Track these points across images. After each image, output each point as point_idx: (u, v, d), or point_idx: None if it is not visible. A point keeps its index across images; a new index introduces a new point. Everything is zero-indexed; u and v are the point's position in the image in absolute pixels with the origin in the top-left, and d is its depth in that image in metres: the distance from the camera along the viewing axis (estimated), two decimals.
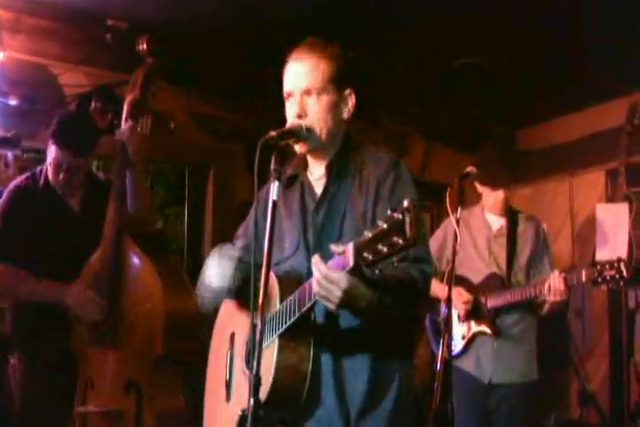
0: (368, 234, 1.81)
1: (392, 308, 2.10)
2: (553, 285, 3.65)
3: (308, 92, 2.27)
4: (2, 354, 3.65)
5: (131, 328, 3.24)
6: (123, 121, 3.48)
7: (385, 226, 1.77)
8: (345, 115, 2.36)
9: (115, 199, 3.37)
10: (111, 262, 3.30)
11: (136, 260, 3.32)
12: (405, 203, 1.76)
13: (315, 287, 1.99)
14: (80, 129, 3.55)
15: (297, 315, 2.08)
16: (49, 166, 3.46)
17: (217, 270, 2.37)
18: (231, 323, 2.57)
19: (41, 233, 3.43)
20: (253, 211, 2.53)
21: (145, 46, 3.52)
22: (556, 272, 3.69)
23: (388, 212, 1.79)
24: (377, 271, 1.83)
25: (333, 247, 1.95)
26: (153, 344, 3.23)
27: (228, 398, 2.46)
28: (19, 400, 3.46)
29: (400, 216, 1.75)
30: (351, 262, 1.86)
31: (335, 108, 2.31)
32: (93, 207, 3.53)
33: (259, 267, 2.02)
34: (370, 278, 1.94)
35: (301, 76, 2.28)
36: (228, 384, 2.47)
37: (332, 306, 2.00)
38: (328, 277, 1.96)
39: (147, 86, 3.51)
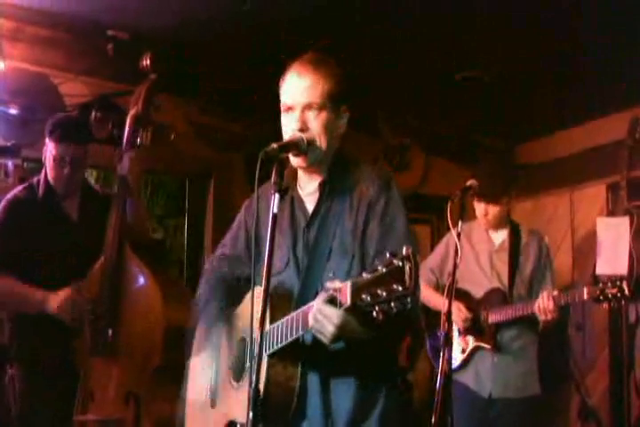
0: (367, 276, 1.83)
1: (385, 338, 2.15)
2: (542, 305, 3.65)
3: (308, 107, 2.27)
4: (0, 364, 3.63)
5: (131, 341, 3.24)
6: (125, 135, 3.49)
7: (384, 271, 1.80)
8: (340, 131, 2.36)
9: (114, 223, 3.37)
10: (112, 277, 3.30)
11: (138, 274, 3.32)
12: (405, 250, 1.79)
13: (310, 320, 2.02)
14: (75, 122, 3.63)
15: (288, 341, 2.11)
16: (50, 165, 3.46)
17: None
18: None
19: (39, 243, 3.41)
20: (242, 217, 2.55)
21: (148, 62, 3.55)
22: (545, 292, 3.70)
23: (387, 255, 1.82)
24: (374, 314, 1.83)
25: (329, 284, 1.98)
26: (153, 356, 3.23)
27: (213, 404, 2.46)
28: (16, 410, 3.45)
29: (400, 263, 1.78)
30: (348, 302, 1.88)
31: (333, 124, 2.31)
32: (90, 215, 3.54)
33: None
34: (364, 316, 1.94)
35: (302, 91, 2.27)
36: (214, 389, 2.47)
37: (324, 340, 2.04)
38: (323, 313, 1.99)
39: (149, 101, 3.54)
